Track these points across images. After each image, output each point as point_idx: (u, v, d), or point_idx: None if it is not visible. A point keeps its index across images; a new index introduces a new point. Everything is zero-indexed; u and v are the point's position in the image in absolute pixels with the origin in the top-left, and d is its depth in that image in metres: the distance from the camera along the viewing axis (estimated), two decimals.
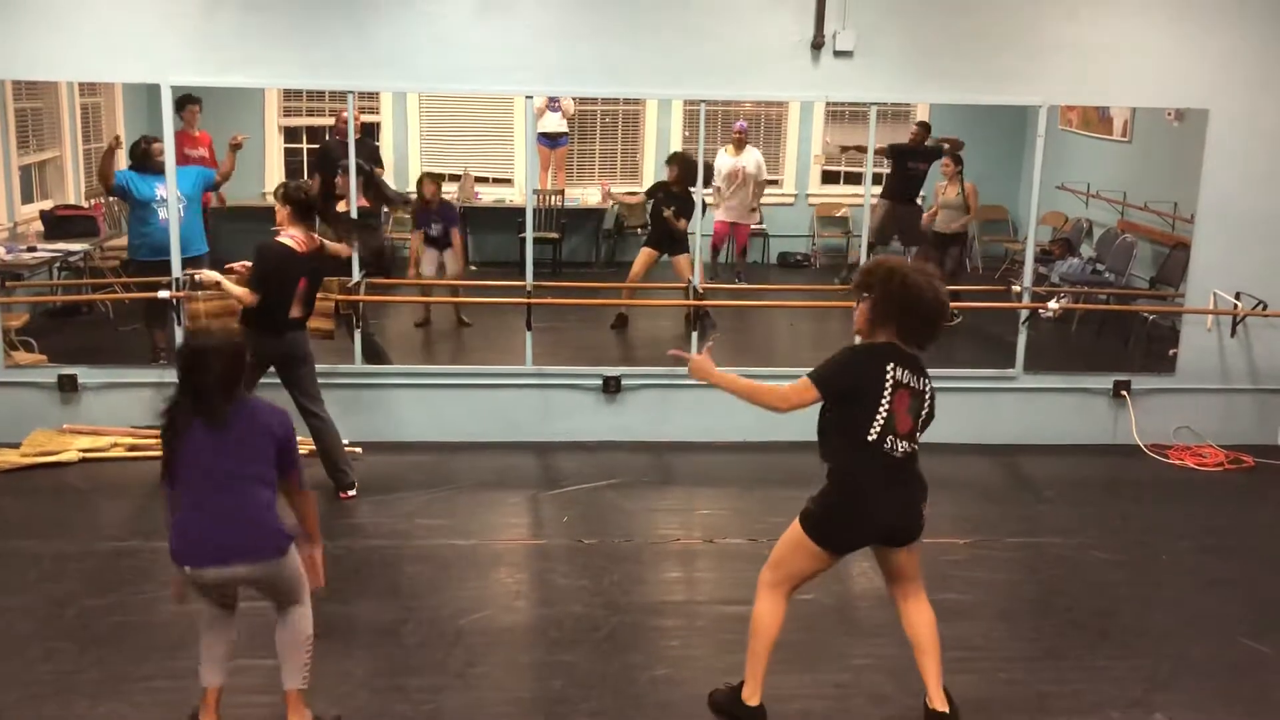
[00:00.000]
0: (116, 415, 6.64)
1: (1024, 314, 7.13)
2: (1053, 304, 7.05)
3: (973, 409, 6.99)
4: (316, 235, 5.79)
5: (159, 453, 3.55)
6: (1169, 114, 8.11)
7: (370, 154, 9.58)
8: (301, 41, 6.51)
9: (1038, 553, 5.59)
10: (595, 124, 11.90)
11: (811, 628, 4.62)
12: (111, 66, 6.55)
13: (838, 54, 6.72)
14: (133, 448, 6.51)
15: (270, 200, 6.05)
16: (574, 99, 11.02)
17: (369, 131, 10.93)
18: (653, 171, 11.58)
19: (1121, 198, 9.41)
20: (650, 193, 9.15)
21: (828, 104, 10.68)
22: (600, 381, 6.98)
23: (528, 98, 6.91)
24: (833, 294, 9.64)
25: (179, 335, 6.49)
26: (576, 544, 5.55)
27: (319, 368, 6.06)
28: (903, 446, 3.65)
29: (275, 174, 11.03)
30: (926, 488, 3.78)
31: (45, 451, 6.39)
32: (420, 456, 6.66)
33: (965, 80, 6.84)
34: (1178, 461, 6.96)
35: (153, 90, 6.49)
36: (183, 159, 7.47)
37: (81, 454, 6.42)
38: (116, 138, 7.43)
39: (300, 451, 3.75)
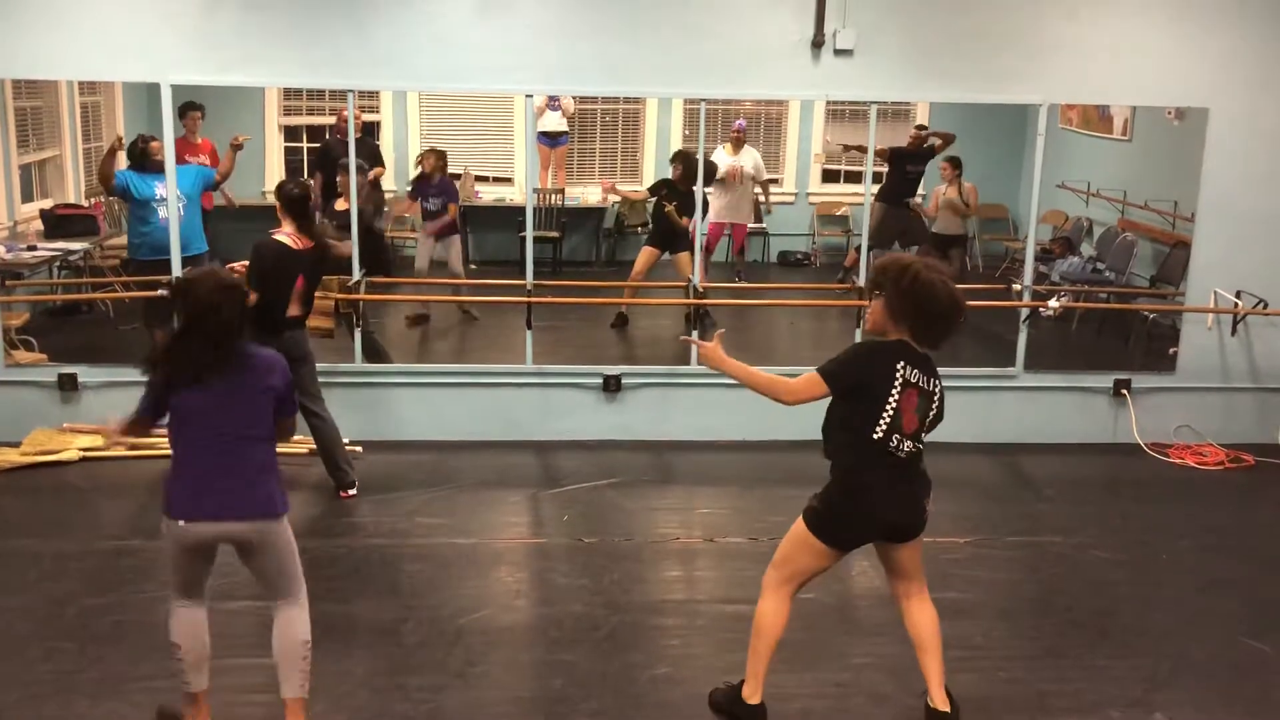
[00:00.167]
0: (117, 414, 6.62)
1: (1024, 313, 7.13)
2: (1053, 303, 7.05)
3: (973, 408, 6.98)
4: (316, 233, 5.79)
5: (159, 452, 3.54)
6: (1169, 113, 8.11)
7: (371, 153, 9.59)
8: (301, 40, 6.51)
9: (1038, 552, 5.59)
10: (595, 123, 11.91)
11: (812, 627, 4.61)
12: (111, 65, 6.56)
13: (838, 53, 6.72)
14: (133, 447, 6.48)
15: (271, 199, 6.06)
16: (574, 98, 11.02)
17: (369, 130, 10.93)
18: (653, 170, 11.60)
19: (1122, 196, 9.40)
20: (654, 189, 9.17)
21: (828, 103, 10.70)
22: (600, 380, 6.98)
23: (528, 97, 6.92)
24: (833, 293, 9.65)
25: None
26: (576, 543, 5.55)
27: (319, 366, 6.07)
28: (908, 446, 3.63)
29: (276, 173, 11.04)
30: (930, 484, 3.77)
31: (45, 450, 6.38)
32: (420, 455, 6.66)
33: (965, 79, 6.84)
34: (1178, 460, 6.96)
35: (153, 89, 6.49)
36: (184, 164, 7.46)
37: (82, 453, 6.40)
38: (118, 138, 7.43)
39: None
